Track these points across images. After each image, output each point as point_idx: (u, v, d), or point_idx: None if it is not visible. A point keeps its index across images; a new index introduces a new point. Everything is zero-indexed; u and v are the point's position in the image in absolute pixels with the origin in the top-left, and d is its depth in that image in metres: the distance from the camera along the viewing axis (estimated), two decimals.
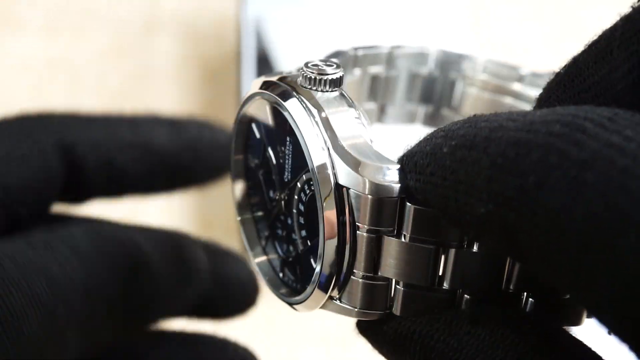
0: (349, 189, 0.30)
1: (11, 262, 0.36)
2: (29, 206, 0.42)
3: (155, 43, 0.90)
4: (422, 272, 0.30)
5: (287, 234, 0.35)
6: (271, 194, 0.36)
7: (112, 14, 0.93)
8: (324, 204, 0.30)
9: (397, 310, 0.31)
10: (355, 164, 0.30)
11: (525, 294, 0.30)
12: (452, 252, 0.29)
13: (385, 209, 0.29)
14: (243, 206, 0.37)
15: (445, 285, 0.30)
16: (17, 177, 0.41)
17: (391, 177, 0.29)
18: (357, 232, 0.30)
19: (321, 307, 0.33)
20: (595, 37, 0.29)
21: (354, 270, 0.31)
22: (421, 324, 0.30)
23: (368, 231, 0.30)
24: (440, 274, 0.30)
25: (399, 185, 0.29)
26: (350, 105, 0.32)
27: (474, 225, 0.26)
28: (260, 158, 0.36)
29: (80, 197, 0.46)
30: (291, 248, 0.35)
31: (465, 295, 0.30)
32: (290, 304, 0.34)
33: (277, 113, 0.33)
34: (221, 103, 0.88)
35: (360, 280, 0.31)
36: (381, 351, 0.32)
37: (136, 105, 0.88)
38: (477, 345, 0.28)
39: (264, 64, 0.84)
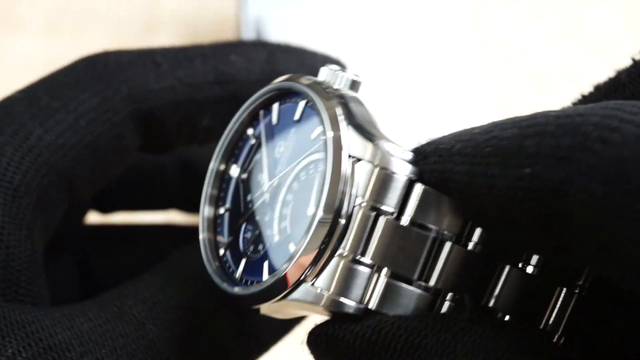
0: (360, 160, 0.29)
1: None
2: (95, 176, 0.39)
3: (155, 43, 0.90)
4: (414, 261, 0.29)
5: (259, 234, 0.34)
6: (249, 197, 0.35)
7: (112, 14, 0.93)
8: (331, 174, 0.30)
9: (374, 303, 0.30)
10: (370, 138, 0.30)
11: (500, 313, 0.30)
12: (447, 245, 0.29)
13: (393, 185, 0.29)
14: (211, 204, 0.37)
15: (432, 282, 0.30)
16: (82, 148, 0.37)
17: (404, 156, 0.30)
18: (355, 206, 0.29)
19: (285, 297, 0.31)
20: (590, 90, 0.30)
21: (340, 250, 0.30)
22: (406, 320, 0.28)
23: (368, 208, 0.29)
24: (428, 270, 0.30)
25: (411, 166, 0.29)
26: (368, 109, 0.32)
27: (504, 195, 0.26)
28: (244, 164, 0.36)
29: (160, 151, 0.42)
30: (260, 247, 0.34)
31: (447, 302, 0.30)
32: (244, 297, 0.32)
33: (289, 106, 0.34)
34: None
35: (343, 260, 0.30)
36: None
37: None
38: (474, 340, 0.27)
39: None
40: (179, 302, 0.36)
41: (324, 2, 0.84)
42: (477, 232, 0.30)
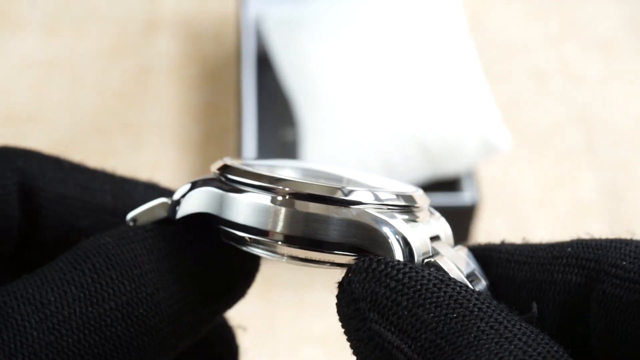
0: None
1: None
2: None
3: (155, 43, 0.90)
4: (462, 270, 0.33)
5: None
6: None
7: (112, 13, 0.93)
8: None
9: (432, 259, 0.31)
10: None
11: None
12: (480, 285, 0.33)
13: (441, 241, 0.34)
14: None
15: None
16: None
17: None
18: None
19: (353, 203, 0.30)
20: None
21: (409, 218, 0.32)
22: (468, 288, 0.29)
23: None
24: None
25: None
26: None
27: (539, 270, 0.32)
28: None
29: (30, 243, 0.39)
30: None
31: None
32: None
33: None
34: (221, 102, 0.88)
35: (412, 222, 0.32)
36: (390, 296, 0.28)
37: (136, 105, 0.88)
38: (518, 321, 0.28)
39: (263, 63, 0.84)
40: (73, 300, 0.33)
41: (324, 2, 0.84)
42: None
